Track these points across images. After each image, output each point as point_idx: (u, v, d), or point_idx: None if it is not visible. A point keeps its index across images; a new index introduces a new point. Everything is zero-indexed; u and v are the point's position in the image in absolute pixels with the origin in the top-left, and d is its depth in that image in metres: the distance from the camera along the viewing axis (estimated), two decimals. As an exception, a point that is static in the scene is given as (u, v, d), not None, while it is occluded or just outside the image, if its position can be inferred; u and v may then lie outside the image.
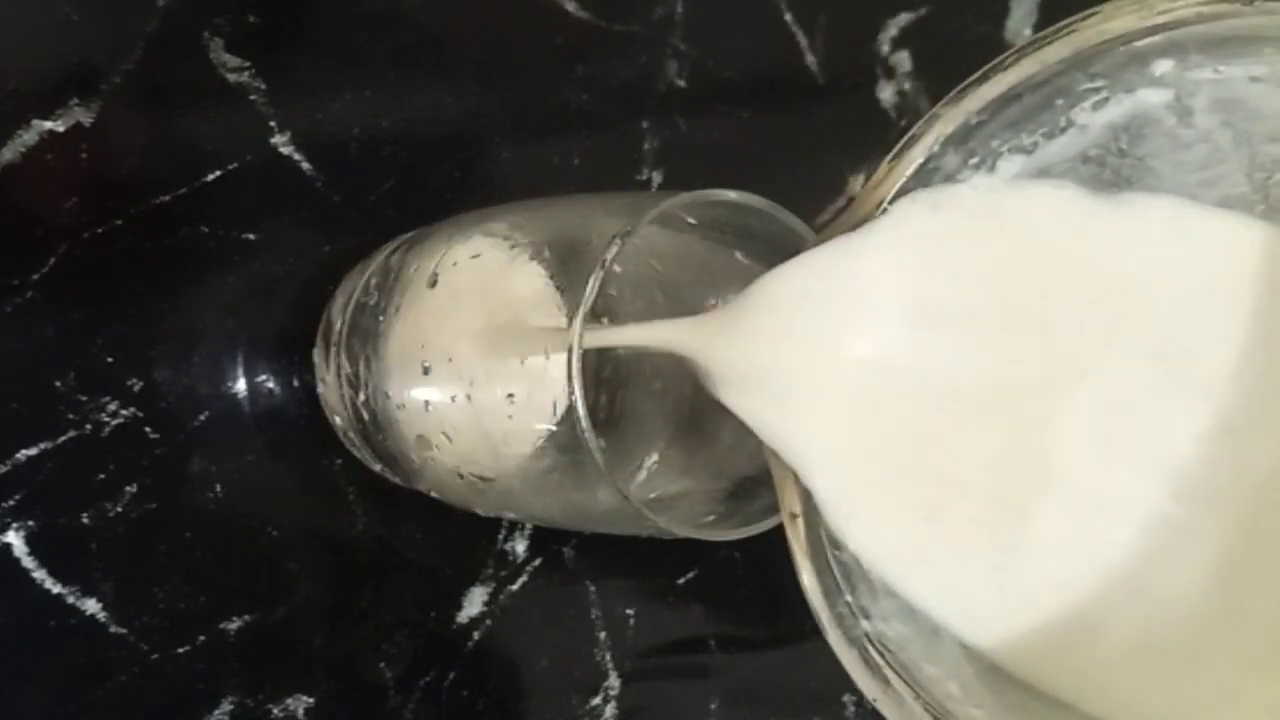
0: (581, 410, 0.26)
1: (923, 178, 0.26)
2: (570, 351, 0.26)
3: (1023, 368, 0.26)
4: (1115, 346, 0.26)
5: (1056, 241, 0.26)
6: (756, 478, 0.32)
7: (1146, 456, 0.25)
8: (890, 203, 0.26)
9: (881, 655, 0.25)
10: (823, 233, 0.26)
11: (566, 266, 0.28)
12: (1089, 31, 0.24)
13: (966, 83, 0.25)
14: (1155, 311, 0.26)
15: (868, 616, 0.25)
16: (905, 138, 0.26)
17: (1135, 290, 0.26)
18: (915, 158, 0.25)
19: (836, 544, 0.26)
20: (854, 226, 0.26)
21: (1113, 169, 0.26)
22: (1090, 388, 0.26)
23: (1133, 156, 0.26)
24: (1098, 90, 0.25)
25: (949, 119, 0.25)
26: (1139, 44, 0.24)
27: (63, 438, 0.32)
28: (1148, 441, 0.25)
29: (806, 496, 0.26)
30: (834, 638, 0.25)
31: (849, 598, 0.25)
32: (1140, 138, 0.26)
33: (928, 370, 0.26)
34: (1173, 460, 0.25)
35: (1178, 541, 0.25)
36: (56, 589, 0.31)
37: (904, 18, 0.45)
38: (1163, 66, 0.25)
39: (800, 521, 0.25)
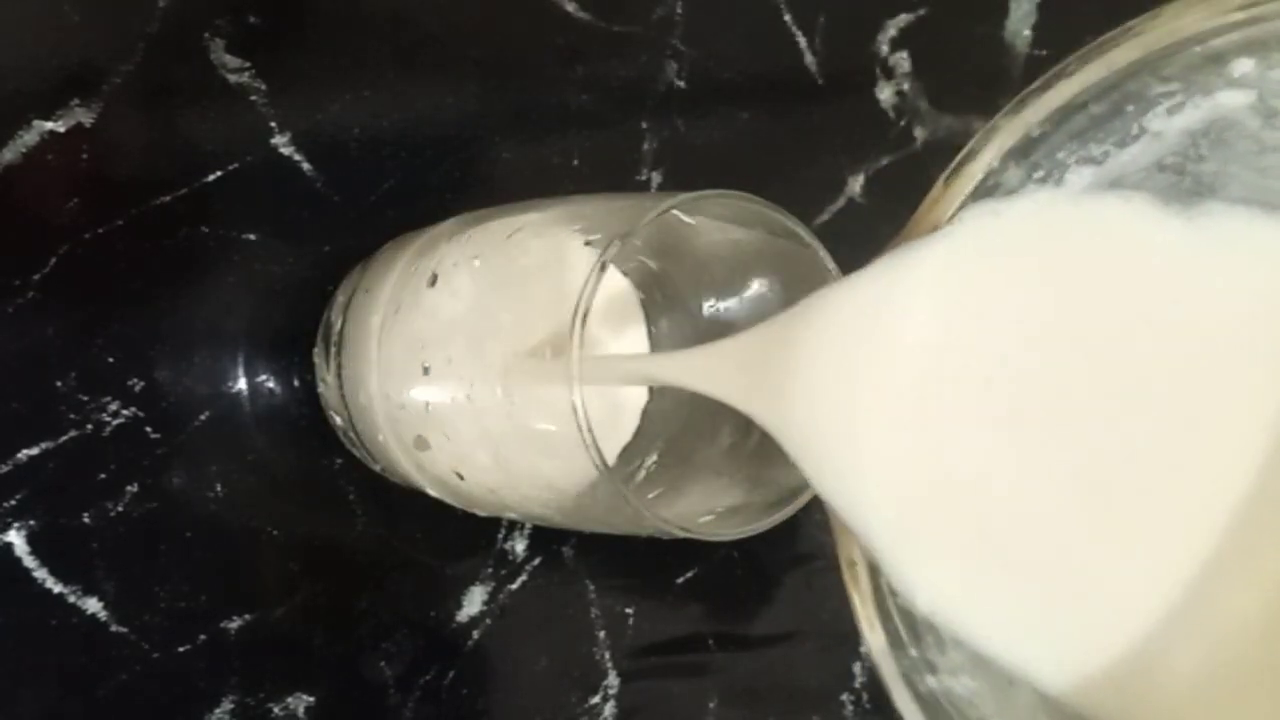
0: (581, 411, 0.26)
1: (982, 195, 0.24)
2: (570, 353, 0.26)
3: (1084, 397, 0.24)
4: (1178, 372, 0.24)
5: (1120, 259, 0.24)
6: (756, 477, 0.32)
7: (1204, 488, 0.24)
8: (950, 221, 0.24)
9: (952, 715, 0.23)
10: (870, 263, 0.25)
11: (566, 266, 0.28)
12: (1158, 32, 0.22)
13: (1026, 91, 0.23)
14: (1222, 337, 0.24)
15: (934, 671, 0.23)
16: (962, 153, 0.24)
17: (1203, 313, 0.24)
18: (974, 174, 0.23)
19: (897, 591, 0.24)
20: (908, 245, 0.24)
21: (1192, 177, 0.24)
22: (1153, 416, 0.24)
23: (1214, 163, 0.24)
24: (1172, 94, 0.23)
25: (1009, 131, 0.23)
26: (1215, 43, 0.22)
27: (63, 438, 0.32)
28: (1205, 473, 0.24)
29: None
30: (900, 696, 0.23)
31: (914, 651, 0.23)
32: (1221, 143, 0.24)
33: (983, 405, 0.24)
34: (1228, 494, 0.23)
35: (1233, 571, 0.23)
36: (57, 589, 0.31)
37: (903, 18, 0.45)
38: (1243, 66, 0.23)
39: (860, 569, 0.23)
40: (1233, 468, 0.23)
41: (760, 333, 0.26)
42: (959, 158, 0.24)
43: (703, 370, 0.27)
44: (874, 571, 0.23)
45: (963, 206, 0.24)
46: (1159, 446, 0.24)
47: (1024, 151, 0.23)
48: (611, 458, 0.33)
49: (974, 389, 0.24)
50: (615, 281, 0.34)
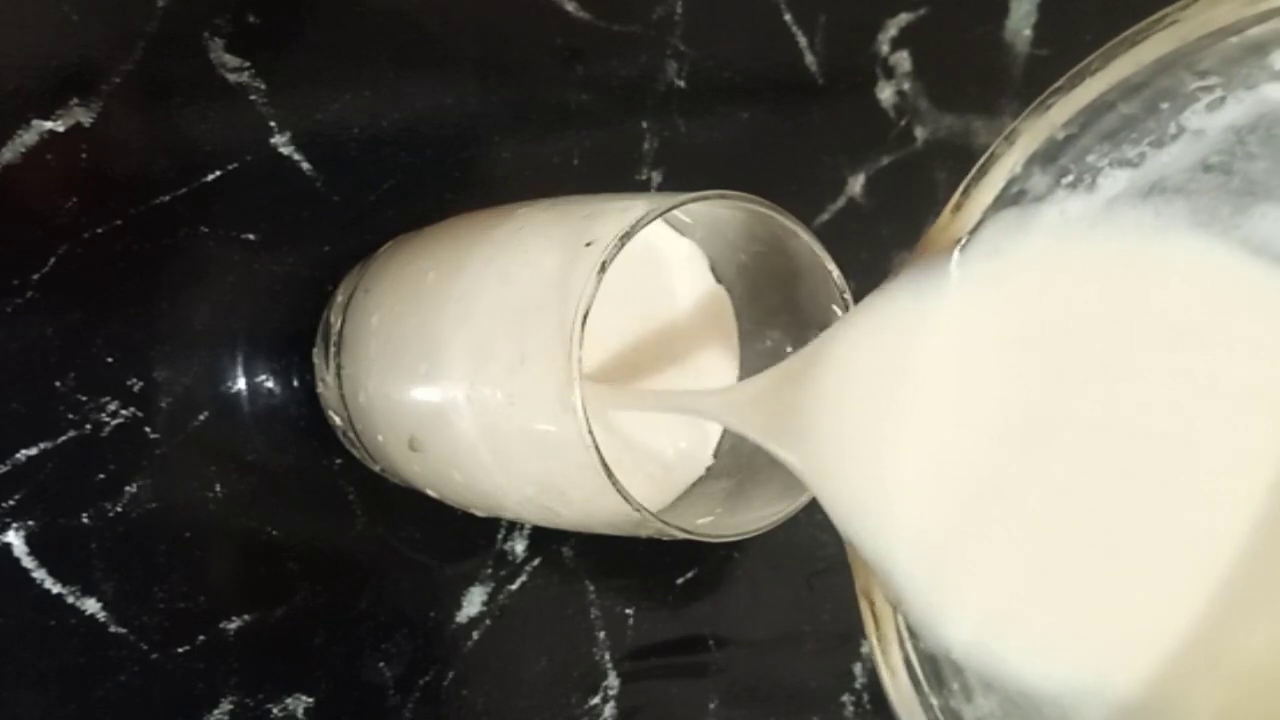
0: (581, 411, 0.26)
1: (1006, 203, 0.22)
2: (570, 354, 0.26)
3: (1111, 427, 0.23)
4: (1211, 400, 0.22)
5: (1153, 277, 0.23)
6: (756, 478, 0.32)
7: (1230, 525, 0.22)
8: (971, 235, 0.22)
9: None
10: (886, 283, 0.23)
11: (566, 267, 0.28)
12: (1189, 24, 0.20)
13: (1050, 91, 0.22)
14: (1258, 362, 0.22)
15: None
16: (982, 159, 0.22)
17: (1238, 335, 0.22)
18: (995, 182, 0.22)
19: (916, 634, 0.23)
20: (924, 267, 0.23)
21: (1242, 176, 0.22)
22: (1182, 447, 0.23)
23: (1265, 160, 0.22)
24: (1210, 89, 0.21)
25: (1033, 134, 0.22)
26: (1253, 33, 0.20)
27: (63, 438, 0.32)
28: (1232, 508, 0.22)
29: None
30: None
31: (936, 699, 0.22)
32: (1272, 139, 0.22)
33: (1008, 438, 0.23)
34: (1253, 531, 0.22)
35: (1249, 611, 0.22)
36: (56, 589, 0.31)
37: (904, 18, 0.45)
38: None
39: (880, 607, 0.22)
40: (1260, 504, 0.22)
41: (782, 371, 0.25)
42: (979, 164, 0.22)
43: (727, 407, 0.27)
44: (894, 613, 0.23)
45: (985, 218, 0.22)
46: (1186, 480, 0.23)
47: (1050, 155, 0.22)
48: (681, 489, 0.33)
49: (999, 422, 0.23)
50: (709, 288, 0.34)
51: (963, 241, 0.22)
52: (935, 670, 0.22)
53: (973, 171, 0.22)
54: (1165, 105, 0.22)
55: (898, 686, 0.22)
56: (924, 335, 0.23)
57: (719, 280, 0.34)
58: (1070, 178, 0.22)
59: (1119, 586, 0.23)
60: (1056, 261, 0.23)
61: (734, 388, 0.27)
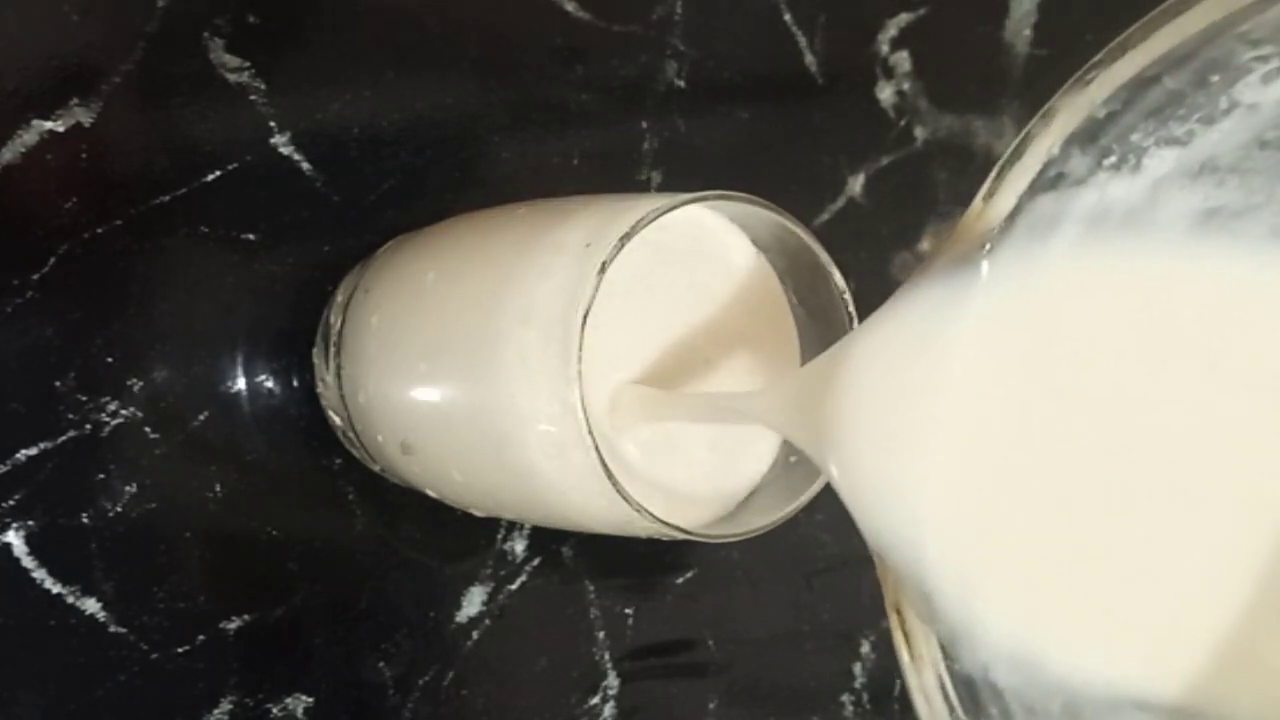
0: (581, 411, 0.26)
1: (1043, 187, 0.21)
2: (570, 355, 0.26)
3: (1140, 429, 0.22)
4: (1243, 407, 0.21)
5: (1192, 282, 0.22)
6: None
7: (1264, 531, 0.21)
8: (1005, 224, 0.21)
9: None
10: (914, 274, 0.22)
11: (566, 268, 0.28)
12: None
13: (1088, 66, 0.20)
14: None
15: None
16: (1017, 140, 0.21)
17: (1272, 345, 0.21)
18: (1030, 166, 0.21)
19: (951, 656, 0.21)
20: (955, 260, 0.21)
21: None
22: (1208, 448, 0.22)
23: None
24: (1265, 59, 0.20)
25: (1071, 112, 0.20)
26: None
27: (63, 438, 0.32)
28: (1266, 514, 0.21)
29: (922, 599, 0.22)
30: None
31: None
32: None
33: (1038, 437, 0.22)
34: None
35: None
36: (56, 589, 0.31)
37: (903, 18, 0.45)
38: None
39: (910, 624, 0.21)
40: None
41: (813, 369, 0.24)
42: (1013, 145, 0.21)
43: (761, 411, 0.26)
44: (927, 632, 0.21)
45: (1020, 204, 0.21)
46: (1222, 480, 0.22)
47: (1090, 135, 0.20)
48: (732, 504, 0.33)
49: (1030, 423, 0.22)
50: (769, 286, 0.33)
51: (996, 231, 0.21)
52: (973, 695, 0.21)
53: (1006, 154, 0.21)
54: (1215, 78, 0.20)
55: (933, 712, 0.21)
56: (954, 331, 0.21)
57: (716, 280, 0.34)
58: (1113, 159, 0.21)
59: (1153, 586, 0.22)
60: (1094, 256, 0.21)
61: (768, 389, 0.26)
